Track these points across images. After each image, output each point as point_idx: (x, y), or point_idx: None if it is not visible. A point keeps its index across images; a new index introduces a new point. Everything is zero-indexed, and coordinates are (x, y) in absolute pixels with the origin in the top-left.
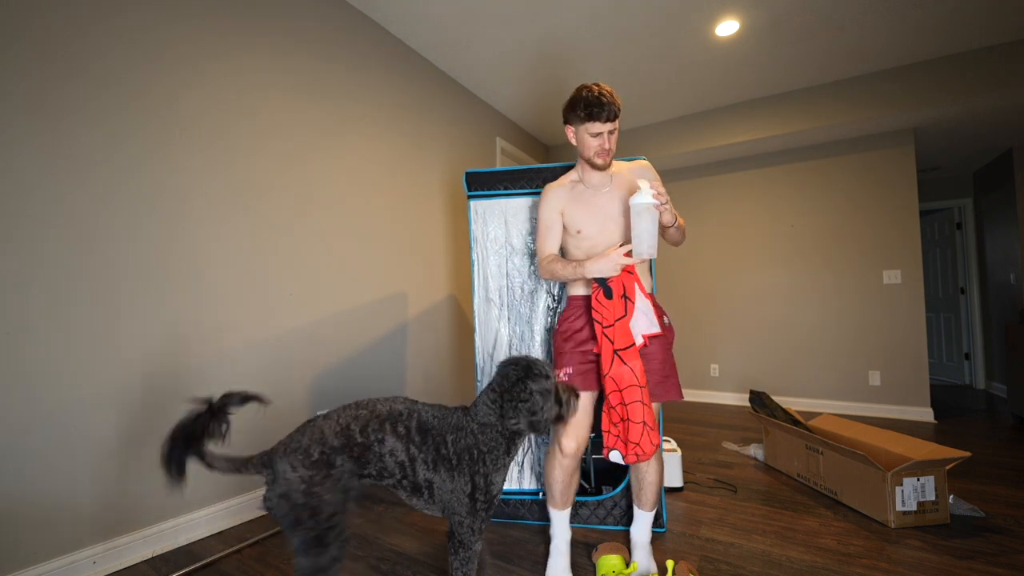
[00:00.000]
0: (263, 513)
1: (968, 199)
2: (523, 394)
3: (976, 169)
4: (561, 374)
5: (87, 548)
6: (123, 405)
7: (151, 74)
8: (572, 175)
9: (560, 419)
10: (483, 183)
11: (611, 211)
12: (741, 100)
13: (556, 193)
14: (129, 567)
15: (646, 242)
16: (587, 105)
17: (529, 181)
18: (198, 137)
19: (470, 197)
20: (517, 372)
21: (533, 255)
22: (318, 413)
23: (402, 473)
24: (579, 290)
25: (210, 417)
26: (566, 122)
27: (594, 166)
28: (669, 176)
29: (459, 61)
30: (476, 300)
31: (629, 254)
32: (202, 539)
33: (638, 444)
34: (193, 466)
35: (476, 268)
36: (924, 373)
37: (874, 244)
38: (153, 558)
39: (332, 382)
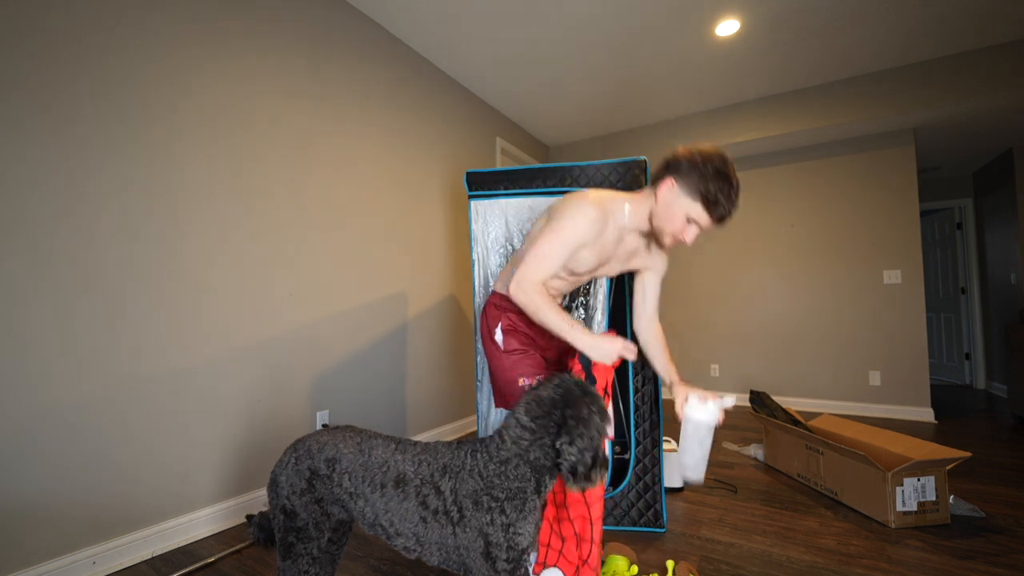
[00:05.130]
0: None
1: (968, 199)
2: (587, 415)
3: (976, 169)
4: (533, 382)
5: (87, 548)
6: (123, 405)
7: (153, 77)
8: (622, 213)
9: (588, 479)
10: (484, 183)
11: (623, 252)
12: (741, 100)
13: (597, 222)
14: (129, 567)
15: (700, 466)
16: (726, 200)
17: (529, 181)
18: (199, 139)
19: (471, 197)
20: (582, 389)
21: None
22: (322, 424)
23: (384, 532)
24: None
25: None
26: (672, 173)
27: (658, 241)
28: None
29: (459, 61)
30: (476, 300)
31: (628, 354)
32: (202, 539)
33: (595, 570)
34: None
35: (477, 268)
36: (924, 373)
37: (874, 244)
38: (153, 558)
39: (332, 382)
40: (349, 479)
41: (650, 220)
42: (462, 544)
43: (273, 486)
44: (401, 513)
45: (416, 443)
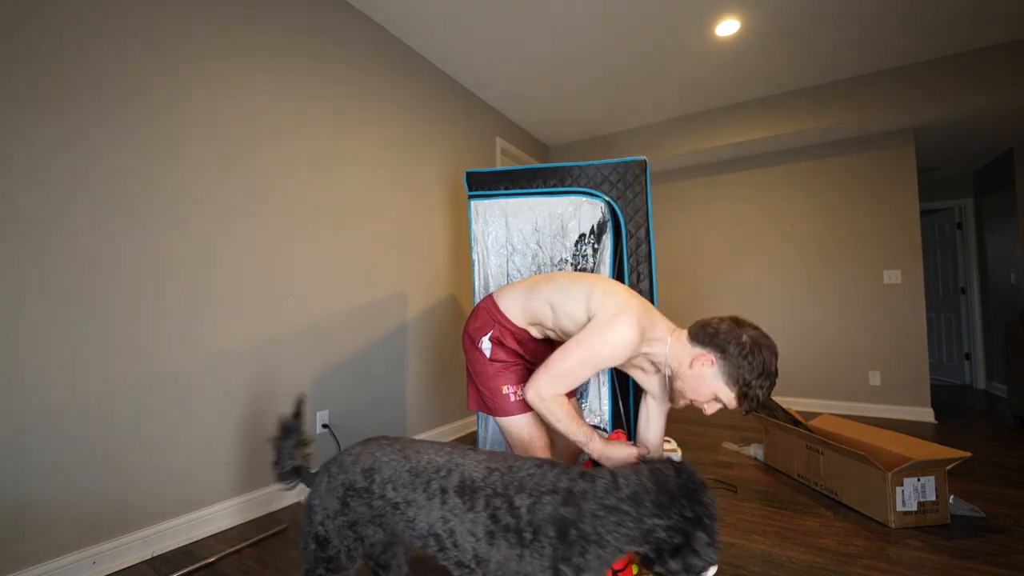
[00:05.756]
0: (263, 513)
1: (968, 199)
2: (713, 513)
3: (976, 169)
4: (518, 390)
5: (87, 548)
6: (124, 405)
7: (152, 74)
8: (657, 345)
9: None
10: (484, 183)
11: (628, 362)
12: (741, 100)
13: (632, 344)
14: (129, 567)
15: None
16: (763, 396)
17: (529, 181)
18: (197, 138)
19: (471, 197)
20: (701, 484)
21: (534, 256)
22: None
23: (438, 544)
24: (534, 331)
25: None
26: (716, 350)
27: (671, 395)
28: (669, 176)
29: (459, 61)
30: (476, 300)
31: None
32: (202, 539)
33: None
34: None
35: (477, 268)
36: (924, 373)
37: (874, 244)
38: (153, 558)
39: (332, 382)
40: (393, 488)
41: (674, 375)
42: (524, 570)
43: (308, 512)
44: (465, 523)
45: (474, 448)
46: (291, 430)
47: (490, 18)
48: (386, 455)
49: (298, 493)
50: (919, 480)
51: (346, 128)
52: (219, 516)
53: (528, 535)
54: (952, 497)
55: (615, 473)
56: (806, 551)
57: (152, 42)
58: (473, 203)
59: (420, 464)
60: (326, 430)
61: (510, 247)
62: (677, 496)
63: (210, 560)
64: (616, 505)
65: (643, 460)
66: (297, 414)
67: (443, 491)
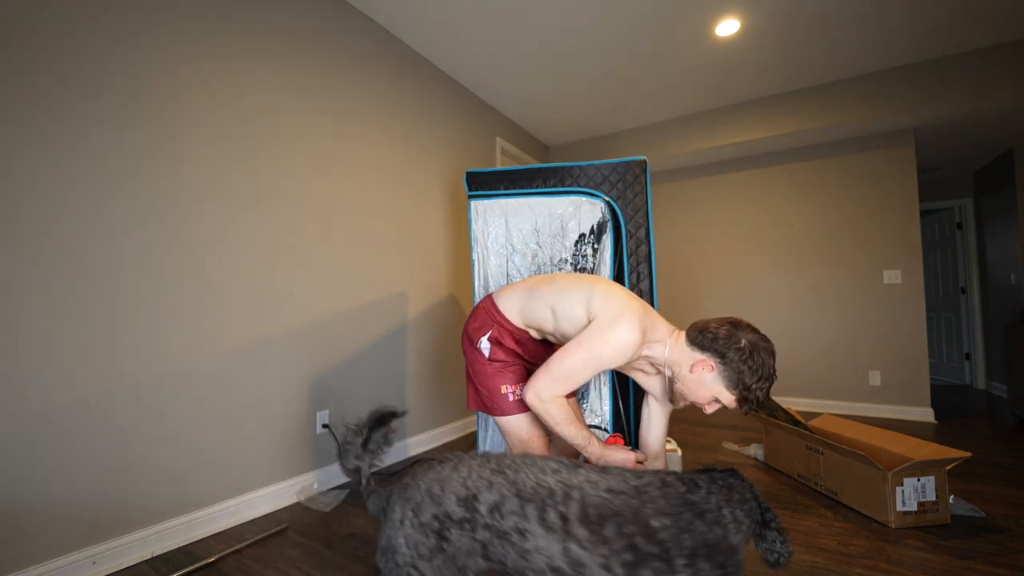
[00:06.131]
0: (263, 513)
1: (968, 199)
2: (773, 512)
3: (976, 169)
4: (517, 390)
5: (87, 548)
6: (123, 406)
7: (152, 74)
8: (656, 347)
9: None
10: (484, 183)
11: (627, 364)
12: (741, 100)
13: (633, 347)
14: (129, 567)
15: None
16: (763, 397)
17: (529, 181)
18: (197, 138)
19: (471, 197)
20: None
21: (534, 256)
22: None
23: None
24: (533, 332)
25: (370, 431)
26: (716, 355)
27: (671, 397)
28: (669, 176)
29: (459, 61)
30: (476, 300)
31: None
32: (202, 539)
33: None
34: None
35: (476, 268)
36: (924, 373)
37: (874, 244)
38: (153, 558)
39: (332, 382)
40: (501, 516)
41: (674, 377)
42: None
43: (388, 553)
44: (596, 558)
45: (583, 464)
46: (370, 428)
47: (490, 18)
48: (480, 476)
49: (299, 492)
50: (919, 480)
51: (346, 128)
52: (219, 516)
53: (681, 562)
54: (952, 497)
55: (728, 484)
56: (806, 551)
57: (152, 42)
58: (473, 203)
59: (527, 487)
60: (326, 430)
61: (510, 247)
62: (750, 501)
63: (210, 560)
64: (744, 511)
65: (708, 468)
66: (384, 419)
67: (564, 520)
